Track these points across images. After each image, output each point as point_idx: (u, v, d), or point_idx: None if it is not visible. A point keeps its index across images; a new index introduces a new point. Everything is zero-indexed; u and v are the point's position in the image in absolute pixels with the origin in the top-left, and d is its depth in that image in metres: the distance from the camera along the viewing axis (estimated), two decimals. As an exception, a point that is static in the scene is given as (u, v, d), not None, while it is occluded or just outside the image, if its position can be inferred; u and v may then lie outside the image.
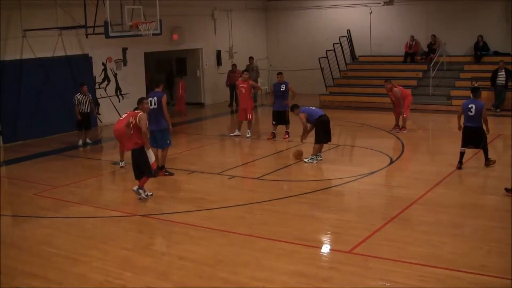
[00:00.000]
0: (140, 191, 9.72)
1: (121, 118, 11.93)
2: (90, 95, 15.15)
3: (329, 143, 12.48)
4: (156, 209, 9.46)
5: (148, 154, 9.68)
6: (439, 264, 6.69)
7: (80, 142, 14.97)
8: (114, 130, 12.09)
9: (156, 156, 10.96)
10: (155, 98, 11.21)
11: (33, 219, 9.13)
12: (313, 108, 12.33)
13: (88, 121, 15.03)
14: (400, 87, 15.49)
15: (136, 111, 9.88)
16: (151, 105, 11.02)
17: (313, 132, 12.27)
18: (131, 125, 9.59)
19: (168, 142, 11.39)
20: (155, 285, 6.57)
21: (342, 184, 10.49)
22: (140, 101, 10.10)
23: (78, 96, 14.70)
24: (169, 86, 21.44)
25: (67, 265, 7.17)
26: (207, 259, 7.18)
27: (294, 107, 12.43)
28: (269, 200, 9.59)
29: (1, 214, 9.37)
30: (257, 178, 11.12)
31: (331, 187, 10.48)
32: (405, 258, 6.90)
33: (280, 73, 15.05)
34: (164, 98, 11.22)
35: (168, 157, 12.06)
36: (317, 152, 12.07)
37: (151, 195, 9.93)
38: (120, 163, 12.28)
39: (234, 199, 9.85)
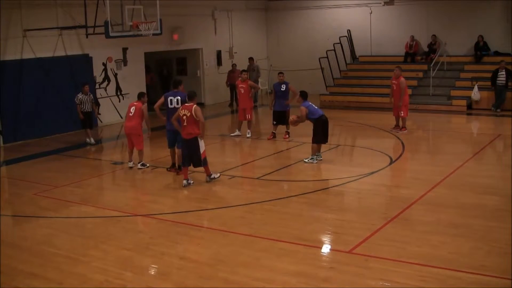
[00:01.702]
0: (213, 176, 10.76)
1: (130, 115, 11.92)
2: (91, 95, 15.21)
3: (328, 143, 12.48)
4: (156, 209, 9.47)
5: (200, 144, 10.36)
6: (439, 264, 6.69)
7: (91, 140, 14.95)
8: (125, 127, 12.06)
9: (173, 155, 11.55)
10: (178, 98, 11.17)
11: (33, 219, 9.13)
12: (316, 107, 12.31)
13: (90, 121, 15.07)
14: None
15: (188, 104, 10.35)
16: (171, 104, 11.14)
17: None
18: (185, 117, 10.20)
19: None
20: (155, 285, 6.57)
21: (342, 184, 10.49)
22: (193, 96, 10.48)
23: (80, 95, 14.74)
24: (166, 86, 21.34)
25: (67, 265, 7.17)
26: (207, 259, 7.18)
27: (302, 94, 12.24)
28: (269, 200, 9.59)
29: (1, 214, 9.38)
30: (257, 178, 11.12)
31: (331, 187, 10.48)
32: (405, 258, 6.90)
33: (281, 73, 15.06)
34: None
35: (167, 157, 12.08)
36: (316, 152, 12.07)
37: (218, 176, 10.82)
38: (129, 163, 12.19)
39: (234, 199, 9.85)
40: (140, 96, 12.21)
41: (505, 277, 6.34)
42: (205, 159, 10.55)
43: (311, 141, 12.17)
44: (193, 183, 10.67)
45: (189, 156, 10.47)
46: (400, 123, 15.25)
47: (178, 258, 7.27)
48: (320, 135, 12.01)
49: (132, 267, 7.05)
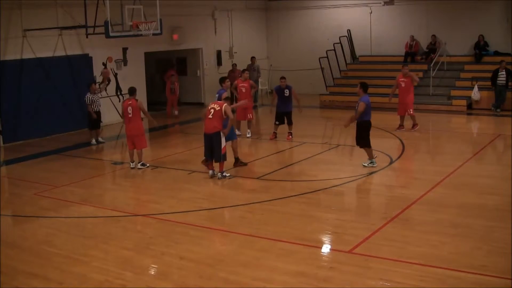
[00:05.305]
0: (224, 173, 11.00)
1: (129, 116, 11.88)
2: (99, 94, 15.26)
3: (328, 143, 12.45)
4: (156, 209, 9.47)
5: (222, 139, 10.85)
6: (439, 264, 6.69)
7: (94, 141, 14.93)
8: (127, 128, 11.99)
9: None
10: (218, 95, 11.75)
11: (33, 219, 9.13)
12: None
13: (100, 120, 15.05)
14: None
15: (219, 101, 11.06)
16: None
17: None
18: (212, 110, 10.79)
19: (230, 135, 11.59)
20: (155, 285, 6.57)
21: (342, 184, 10.50)
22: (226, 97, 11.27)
23: (90, 95, 14.70)
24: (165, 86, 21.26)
25: (67, 265, 7.18)
26: (207, 259, 7.18)
27: (362, 86, 12.06)
28: (269, 200, 9.59)
29: (1, 214, 9.38)
30: (257, 178, 11.12)
31: (331, 187, 10.47)
32: (405, 258, 6.90)
33: (283, 78, 14.78)
34: (225, 95, 11.74)
35: (167, 157, 12.09)
36: (373, 155, 11.58)
37: (229, 176, 11.03)
38: (131, 164, 12.15)
39: (234, 199, 9.86)
40: (132, 92, 12.00)
41: (505, 277, 6.35)
42: (224, 154, 10.93)
43: (359, 145, 11.72)
44: (230, 175, 11.04)
45: (210, 149, 10.87)
46: (412, 121, 15.31)
47: (178, 258, 7.27)
48: (368, 138, 11.55)
49: (132, 267, 7.05)
